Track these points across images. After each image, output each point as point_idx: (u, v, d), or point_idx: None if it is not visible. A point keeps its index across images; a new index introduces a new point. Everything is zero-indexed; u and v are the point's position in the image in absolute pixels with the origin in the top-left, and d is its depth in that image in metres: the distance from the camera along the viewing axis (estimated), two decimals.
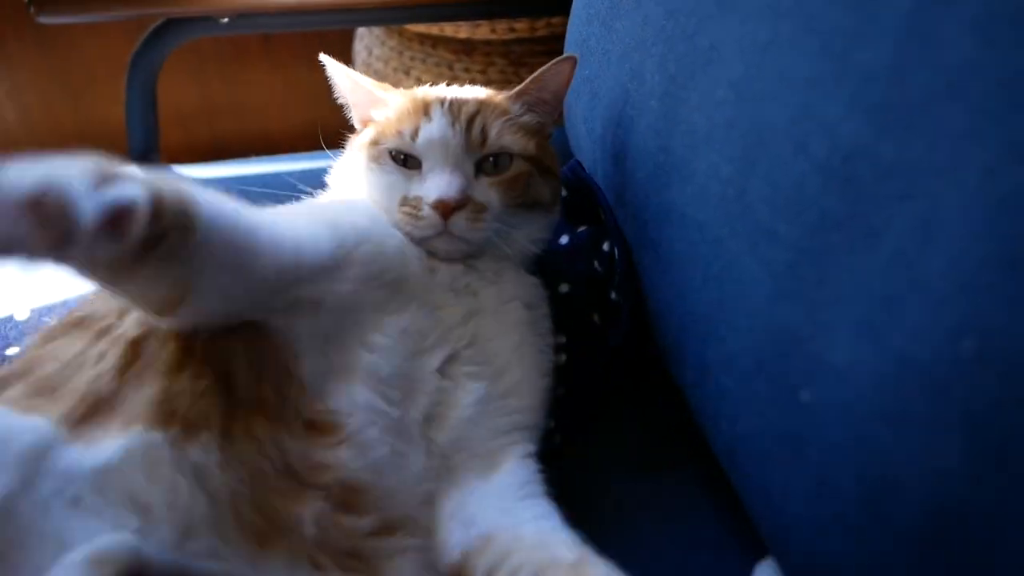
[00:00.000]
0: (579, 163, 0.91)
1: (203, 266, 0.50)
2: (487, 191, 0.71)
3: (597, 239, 0.86)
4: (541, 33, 1.41)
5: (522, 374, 0.70)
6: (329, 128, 0.81)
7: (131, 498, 0.48)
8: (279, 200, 0.72)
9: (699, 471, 0.75)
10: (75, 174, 0.39)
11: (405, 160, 0.72)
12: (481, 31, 1.39)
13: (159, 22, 1.12)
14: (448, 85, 0.80)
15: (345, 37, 1.81)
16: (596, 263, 0.85)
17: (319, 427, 0.56)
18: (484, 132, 0.71)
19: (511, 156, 0.72)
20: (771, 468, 0.57)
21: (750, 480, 0.61)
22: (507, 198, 0.71)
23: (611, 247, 0.84)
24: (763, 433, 0.57)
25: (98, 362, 0.53)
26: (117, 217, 0.40)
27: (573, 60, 0.75)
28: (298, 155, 1.25)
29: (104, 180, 0.40)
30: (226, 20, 1.10)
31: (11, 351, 0.86)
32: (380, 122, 0.75)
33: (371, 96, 0.77)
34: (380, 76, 1.58)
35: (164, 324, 0.54)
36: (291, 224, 0.59)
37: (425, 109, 0.72)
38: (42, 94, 1.93)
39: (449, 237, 0.69)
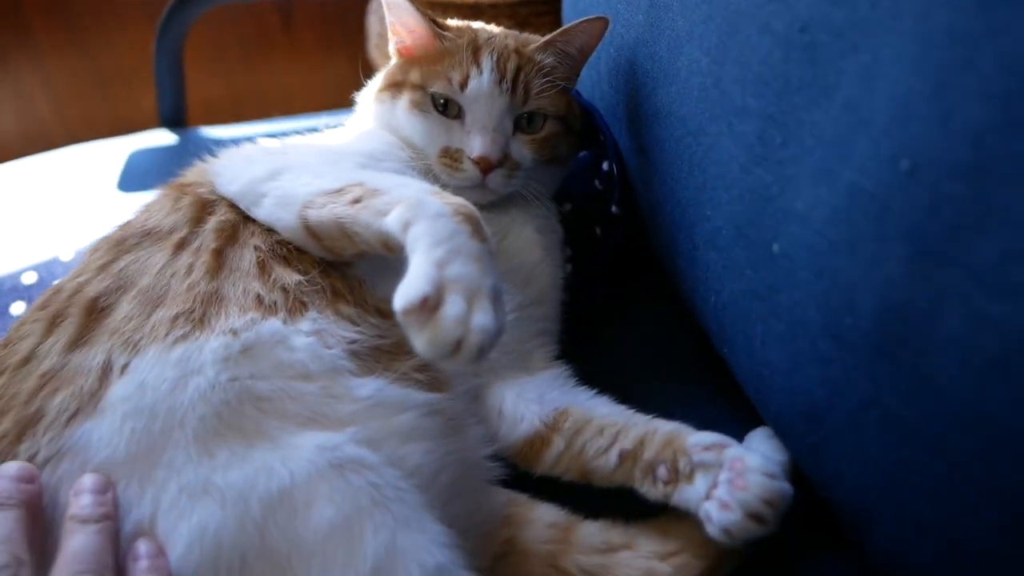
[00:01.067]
0: (577, 91, 0.98)
1: None
2: (521, 148, 0.76)
3: (597, 160, 0.92)
4: None
5: (542, 286, 0.78)
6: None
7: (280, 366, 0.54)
8: None
9: (695, 364, 0.81)
10: None
11: (446, 105, 0.75)
12: None
13: None
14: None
15: (359, 14, 1.88)
16: (596, 182, 0.91)
17: (387, 313, 0.61)
18: (527, 91, 0.75)
19: (545, 116, 0.77)
20: (751, 324, 0.63)
21: (736, 343, 0.67)
22: (538, 155, 0.77)
23: (610, 166, 0.90)
24: (744, 293, 0.63)
25: (188, 273, 0.58)
26: None
27: (605, 21, 0.77)
28: (317, 114, 1.33)
29: None
30: None
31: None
32: (425, 60, 0.78)
33: (428, 30, 0.78)
34: None
35: None
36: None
37: (475, 57, 0.75)
38: (74, 86, 2.02)
39: (483, 189, 0.75)
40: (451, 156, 0.75)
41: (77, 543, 0.45)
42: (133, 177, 1.16)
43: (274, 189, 0.63)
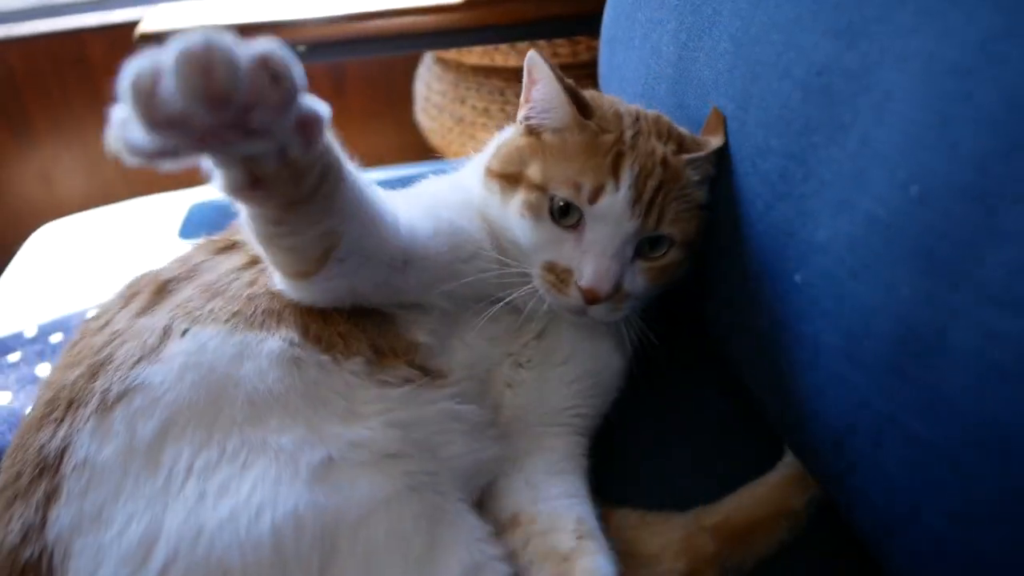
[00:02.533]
0: None
1: (350, 215, 0.54)
2: (636, 277, 0.67)
3: None
4: (583, 58, 1.54)
5: (581, 371, 0.73)
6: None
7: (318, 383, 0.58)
8: None
9: (728, 409, 0.83)
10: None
11: (565, 210, 0.66)
12: None
13: None
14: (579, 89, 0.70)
15: (407, 80, 1.99)
16: None
17: (435, 372, 0.64)
18: (661, 215, 0.66)
19: (672, 242, 0.68)
20: (778, 359, 0.65)
21: (767, 383, 0.69)
22: (652, 284, 0.69)
23: None
24: (770, 329, 0.65)
25: (251, 285, 0.62)
26: (306, 121, 0.41)
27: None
28: (389, 167, 1.39)
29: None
30: (303, 49, 1.26)
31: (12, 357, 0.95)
32: (551, 149, 0.68)
33: (571, 116, 0.68)
34: (439, 107, 1.73)
35: (303, 294, 0.61)
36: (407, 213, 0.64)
37: (615, 166, 0.65)
38: None
39: (582, 315, 0.67)
40: (557, 274, 0.67)
41: None
42: (194, 226, 1.23)
43: None
